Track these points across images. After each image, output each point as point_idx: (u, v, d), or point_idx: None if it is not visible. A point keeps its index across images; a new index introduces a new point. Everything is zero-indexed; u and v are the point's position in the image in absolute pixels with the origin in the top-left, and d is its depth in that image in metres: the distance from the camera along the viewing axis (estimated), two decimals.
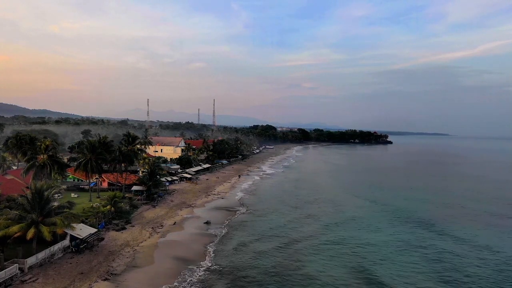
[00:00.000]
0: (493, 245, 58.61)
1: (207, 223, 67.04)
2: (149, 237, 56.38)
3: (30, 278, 38.35)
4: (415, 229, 67.87)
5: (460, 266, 49.16)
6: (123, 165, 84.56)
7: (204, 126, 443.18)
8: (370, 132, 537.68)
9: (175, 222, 65.99)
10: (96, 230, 52.01)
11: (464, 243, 59.77)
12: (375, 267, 47.93)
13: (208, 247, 53.61)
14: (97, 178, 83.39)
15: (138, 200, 78.78)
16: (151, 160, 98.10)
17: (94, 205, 67.89)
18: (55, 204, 49.04)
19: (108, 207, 64.51)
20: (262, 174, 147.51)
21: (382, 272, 46.05)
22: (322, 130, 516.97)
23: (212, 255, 50.55)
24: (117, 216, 64.40)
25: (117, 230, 58.13)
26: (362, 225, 69.60)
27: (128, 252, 49.34)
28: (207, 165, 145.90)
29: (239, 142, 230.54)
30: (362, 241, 58.96)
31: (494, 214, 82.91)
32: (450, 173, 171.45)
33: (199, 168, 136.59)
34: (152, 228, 61.43)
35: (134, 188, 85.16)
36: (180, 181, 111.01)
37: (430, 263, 49.95)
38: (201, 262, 47.43)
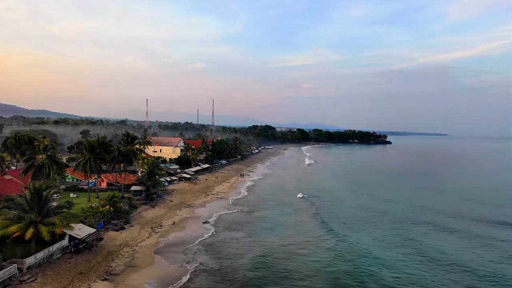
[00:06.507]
0: None
1: (206, 223, 67.04)
2: (148, 237, 56.33)
3: (29, 278, 38.28)
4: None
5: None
6: (122, 165, 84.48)
7: (203, 126, 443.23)
8: (369, 132, 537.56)
9: (174, 222, 65.97)
10: (95, 230, 51.96)
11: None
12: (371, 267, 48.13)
13: (207, 248, 53.54)
14: (96, 178, 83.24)
15: (137, 200, 78.73)
16: (150, 160, 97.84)
17: (93, 205, 67.78)
18: (54, 204, 49.05)
19: (107, 207, 64.44)
20: (261, 174, 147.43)
21: (380, 270, 46.18)
22: (321, 130, 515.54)
23: (211, 255, 50.49)
24: (116, 216, 64.35)
25: (116, 230, 58.10)
26: (362, 225, 69.67)
27: (127, 252, 49.29)
28: (206, 165, 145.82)
29: (238, 142, 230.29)
30: (364, 241, 59.05)
31: None
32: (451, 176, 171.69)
33: (198, 168, 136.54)
34: (151, 228, 61.39)
35: (133, 188, 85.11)
36: (179, 181, 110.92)
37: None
38: (200, 262, 47.33)
